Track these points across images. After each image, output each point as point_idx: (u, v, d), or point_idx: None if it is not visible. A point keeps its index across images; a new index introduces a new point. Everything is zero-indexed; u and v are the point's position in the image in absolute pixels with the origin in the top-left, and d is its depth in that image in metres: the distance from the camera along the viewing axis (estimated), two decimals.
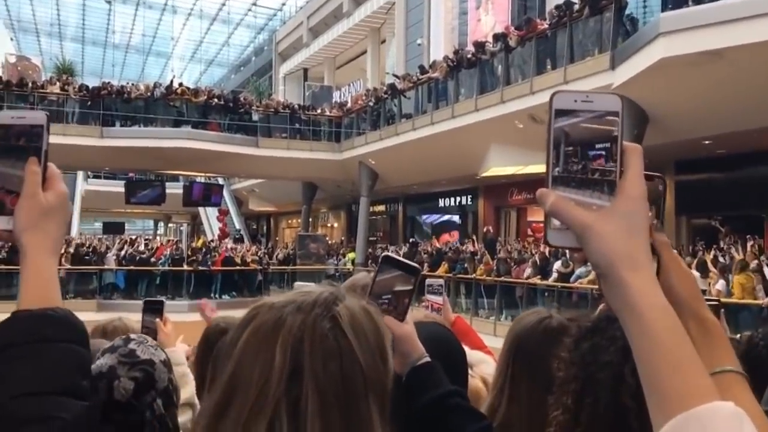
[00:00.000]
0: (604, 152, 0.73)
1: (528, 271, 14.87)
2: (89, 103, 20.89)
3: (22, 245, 0.93)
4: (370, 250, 22.29)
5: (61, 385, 0.86)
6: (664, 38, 9.75)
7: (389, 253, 1.32)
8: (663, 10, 10.29)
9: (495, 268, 15.79)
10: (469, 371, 2.23)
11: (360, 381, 0.82)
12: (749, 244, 10.80)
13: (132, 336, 1.56)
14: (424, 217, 25.81)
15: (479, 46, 16.59)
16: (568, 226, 0.72)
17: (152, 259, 20.55)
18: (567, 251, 0.74)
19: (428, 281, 2.69)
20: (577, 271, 13.51)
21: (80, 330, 0.93)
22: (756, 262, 10.12)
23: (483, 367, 2.16)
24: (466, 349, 2.46)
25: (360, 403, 0.82)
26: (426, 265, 17.77)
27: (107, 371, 1.39)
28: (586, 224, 0.71)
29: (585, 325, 1.22)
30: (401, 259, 1.27)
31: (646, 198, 0.73)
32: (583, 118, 0.73)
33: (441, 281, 2.78)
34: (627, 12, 11.94)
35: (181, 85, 23.01)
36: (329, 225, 33.26)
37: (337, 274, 21.49)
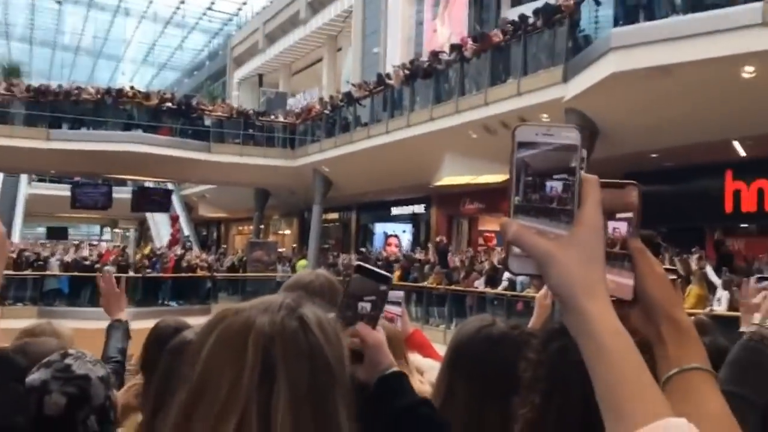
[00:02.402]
0: (561, 182, 0.75)
1: (478, 280, 15.01)
2: (36, 104, 20.32)
3: None
4: (322, 257, 22.20)
5: None
6: (614, 53, 9.97)
7: (361, 263, 1.32)
8: (615, 25, 10.54)
9: (446, 276, 15.91)
10: (419, 377, 2.24)
11: (328, 378, 0.84)
12: (695, 256, 11.09)
13: (70, 351, 1.51)
14: (378, 226, 25.85)
15: (435, 55, 16.73)
16: (529, 254, 0.74)
17: (97, 265, 20.04)
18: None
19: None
20: (520, 278, 13.74)
21: (17, 367, 0.96)
22: (701, 271, 10.45)
23: (432, 373, 2.18)
24: (418, 356, 2.46)
25: (328, 399, 0.83)
26: None
27: (39, 385, 1.34)
28: (547, 252, 0.73)
29: (552, 326, 1.25)
30: (372, 267, 1.29)
31: (602, 228, 0.76)
32: (543, 150, 0.75)
33: (401, 293, 2.79)
34: (580, 27, 12.18)
35: (132, 88, 22.59)
36: (281, 232, 32.99)
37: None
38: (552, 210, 0.75)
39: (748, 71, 9.08)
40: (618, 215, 0.86)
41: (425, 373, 2.31)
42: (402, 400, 1.21)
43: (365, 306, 1.26)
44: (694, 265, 10.66)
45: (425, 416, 1.23)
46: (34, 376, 1.35)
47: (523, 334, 1.67)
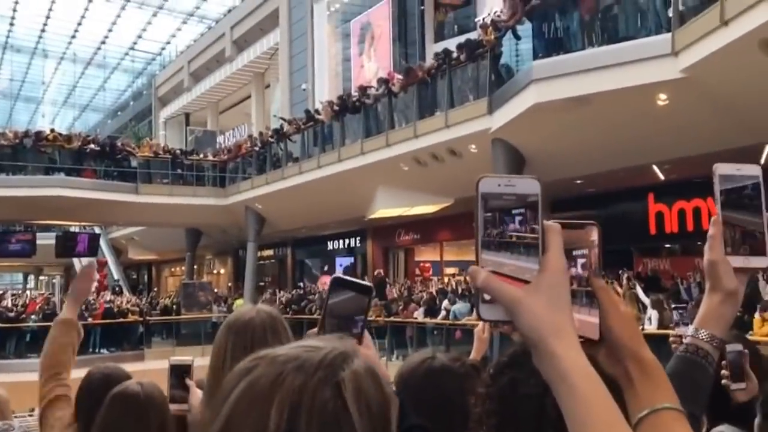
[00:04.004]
0: (519, 217, 0.79)
1: (417, 310, 15.08)
2: None
3: None
4: (258, 295, 21.87)
5: None
6: (536, 85, 10.29)
7: (340, 275, 1.27)
8: (534, 58, 10.91)
9: (384, 308, 15.91)
10: None
11: None
12: (624, 276, 11.44)
13: (10, 424, 1.45)
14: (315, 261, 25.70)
15: (363, 90, 16.89)
16: (498, 300, 0.77)
17: (22, 316, 19.18)
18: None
19: None
20: (454, 308, 13.90)
21: None
22: (631, 291, 10.79)
23: None
24: None
25: None
26: (315, 307, 17.67)
27: None
28: (515, 299, 0.76)
29: (501, 359, 1.23)
30: (352, 279, 1.20)
31: (566, 273, 0.79)
32: (505, 200, 0.79)
33: None
34: (501, 60, 12.55)
35: (52, 130, 21.89)
36: (215, 272, 32.36)
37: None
38: (512, 243, 0.78)
39: (662, 99, 9.52)
40: (575, 252, 0.89)
41: None
42: (403, 422, 1.16)
43: (357, 324, 1.17)
44: (623, 287, 11.00)
45: None
46: None
47: (464, 366, 1.71)
